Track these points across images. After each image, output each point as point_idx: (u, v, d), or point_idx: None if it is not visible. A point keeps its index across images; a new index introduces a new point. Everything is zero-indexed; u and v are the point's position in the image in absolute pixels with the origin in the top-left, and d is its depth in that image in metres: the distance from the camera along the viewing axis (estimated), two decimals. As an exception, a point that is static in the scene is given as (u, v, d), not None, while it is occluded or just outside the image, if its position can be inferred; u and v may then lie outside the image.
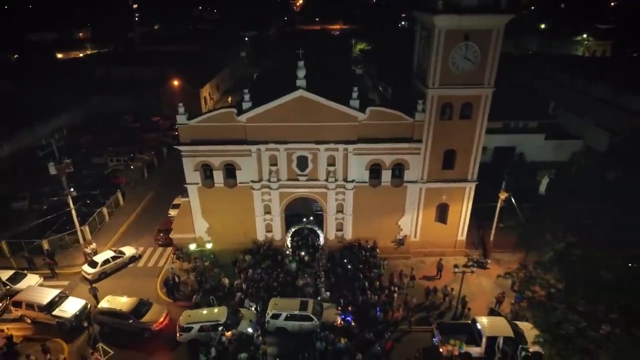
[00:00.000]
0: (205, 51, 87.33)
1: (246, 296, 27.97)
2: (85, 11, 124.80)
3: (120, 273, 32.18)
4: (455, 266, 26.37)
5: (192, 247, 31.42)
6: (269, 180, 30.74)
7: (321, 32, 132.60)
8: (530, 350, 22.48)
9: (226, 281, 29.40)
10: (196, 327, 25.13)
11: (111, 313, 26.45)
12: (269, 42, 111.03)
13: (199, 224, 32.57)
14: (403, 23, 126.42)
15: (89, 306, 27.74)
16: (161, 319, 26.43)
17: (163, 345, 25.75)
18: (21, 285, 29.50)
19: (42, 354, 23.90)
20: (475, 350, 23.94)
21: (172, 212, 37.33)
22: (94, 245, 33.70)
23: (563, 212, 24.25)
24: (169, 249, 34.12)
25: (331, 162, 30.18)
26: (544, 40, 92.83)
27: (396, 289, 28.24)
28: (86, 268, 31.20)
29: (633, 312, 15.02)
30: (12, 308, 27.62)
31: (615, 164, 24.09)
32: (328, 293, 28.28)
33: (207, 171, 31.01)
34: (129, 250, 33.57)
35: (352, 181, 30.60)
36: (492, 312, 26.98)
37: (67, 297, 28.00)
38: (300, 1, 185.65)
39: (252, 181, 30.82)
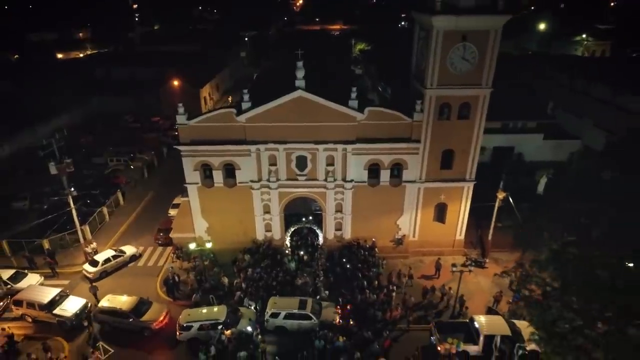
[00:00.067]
0: (205, 51, 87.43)
1: (245, 295, 28.15)
2: (85, 11, 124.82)
3: (120, 272, 32.36)
4: (453, 265, 26.55)
5: (192, 246, 31.62)
6: (268, 180, 30.91)
7: (321, 32, 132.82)
8: (528, 348, 22.64)
9: (225, 280, 29.57)
10: (196, 325, 25.30)
11: (111, 312, 26.62)
12: (268, 42, 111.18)
13: (199, 224, 32.74)
14: (403, 23, 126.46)
15: (89, 305, 27.92)
16: (161, 318, 26.62)
17: (163, 343, 25.93)
18: (22, 284, 29.69)
19: (43, 352, 24.10)
20: (472, 349, 24.11)
21: (172, 212, 37.50)
22: (94, 245, 33.88)
23: (560, 212, 24.43)
24: (169, 249, 34.31)
25: (330, 162, 30.35)
26: (544, 41, 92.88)
27: (395, 288, 28.41)
28: (87, 267, 31.39)
29: (628, 311, 15.18)
30: (13, 307, 27.84)
31: (611, 164, 24.26)
32: (327, 292, 28.45)
33: (206, 171, 31.19)
34: (129, 249, 33.78)
35: (351, 181, 30.77)
36: (490, 311, 27.18)
37: (67, 296, 28.18)
38: (300, 1, 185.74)
39: (252, 181, 30.98)
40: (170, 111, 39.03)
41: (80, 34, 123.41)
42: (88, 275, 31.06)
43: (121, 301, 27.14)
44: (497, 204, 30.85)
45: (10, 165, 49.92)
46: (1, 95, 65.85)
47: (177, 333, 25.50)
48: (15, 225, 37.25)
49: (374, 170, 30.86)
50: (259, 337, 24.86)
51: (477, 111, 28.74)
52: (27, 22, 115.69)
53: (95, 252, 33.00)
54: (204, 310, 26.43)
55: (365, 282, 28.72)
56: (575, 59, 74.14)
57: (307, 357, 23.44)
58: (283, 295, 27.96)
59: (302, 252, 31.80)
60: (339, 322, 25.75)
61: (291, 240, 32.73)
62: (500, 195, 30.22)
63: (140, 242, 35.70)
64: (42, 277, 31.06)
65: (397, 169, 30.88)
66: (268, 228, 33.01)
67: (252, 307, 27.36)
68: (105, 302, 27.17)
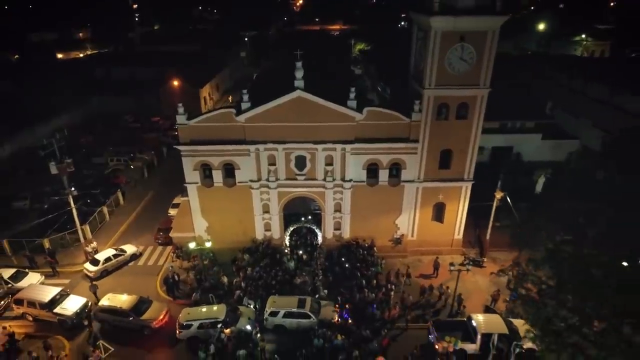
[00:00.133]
0: (205, 51, 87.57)
1: (245, 294, 28.32)
2: (85, 11, 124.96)
3: (120, 271, 32.55)
4: (451, 264, 26.73)
5: (192, 245, 31.80)
6: (267, 180, 31.07)
7: (321, 32, 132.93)
8: (525, 347, 22.82)
9: (225, 279, 29.73)
10: (195, 324, 25.46)
11: (112, 311, 26.80)
12: (268, 42, 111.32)
13: (199, 223, 32.91)
14: (403, 23, 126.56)
15: (89, 304, 28.08)
16: (161, 317, 26.80)
17: (163, 342, 26.11)
18: (23, 283, 29.86)
19: (44, 350, 24.28)
20: (470, 347, 24.29)
21: (172, 212, 37.66)
22: (94, 244, 34.05)
23: (557, 212, 24.62)
24: (169, 248, 34.49)
25: (329, 162, 30.52)
26: (543, 41, 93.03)
27: (393, 287, 28.58)
28: (88, 266, 31.58)
29: (622, 309, 15.35)
30: (13, 306, 28.03)
31: (606, 164, 24.47)
32: (326, 291, 28.62)
33: (206, 171, 31.35)
34: (129, 248, 33.99)
35: (350, 180, 30.94)
36: (488, 310, 27.36)
37: (68, 295, 28.37)
38: (300, 1, 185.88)
39: (251, 180, 31.15)
40: (170, 111, 39.19)
41: (80, 34, 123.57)
42: (89, 274, 31.24)
43: (121, 300, 27.31)
44: (495, 204, 31.01)
45: (10, 165, 50.10)
46: (1, 95, 66.02)
47: (177, 332, 25.67)
48: (15, 224, 37.49)
49: (372, 170, 31.02)
50: (258, 335, 25.02)
51: (475, 111, 28.91)
52: (27, 22, 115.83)
53: (96, 252, 33.18)
54: (204, 309, 26.60)
55: (363, 281, 28.90)
56: (574, 59, 74.32)
57: (306, 355, 23.59)
58: (282, 294, 28.14)
59: (301, 252, 31.96)
60: (338, 320, 25.91)
61: (290, 239, 32.89)
62: (498, 195, 30.39)
63: (140, 242, 35.87)
64: (43, 276, 31.23)
65: (395, 169, 31.05)
66: (267, 227, 33.18)
67: (252, 306, 27.53)
68: (105, 301, 27.35)
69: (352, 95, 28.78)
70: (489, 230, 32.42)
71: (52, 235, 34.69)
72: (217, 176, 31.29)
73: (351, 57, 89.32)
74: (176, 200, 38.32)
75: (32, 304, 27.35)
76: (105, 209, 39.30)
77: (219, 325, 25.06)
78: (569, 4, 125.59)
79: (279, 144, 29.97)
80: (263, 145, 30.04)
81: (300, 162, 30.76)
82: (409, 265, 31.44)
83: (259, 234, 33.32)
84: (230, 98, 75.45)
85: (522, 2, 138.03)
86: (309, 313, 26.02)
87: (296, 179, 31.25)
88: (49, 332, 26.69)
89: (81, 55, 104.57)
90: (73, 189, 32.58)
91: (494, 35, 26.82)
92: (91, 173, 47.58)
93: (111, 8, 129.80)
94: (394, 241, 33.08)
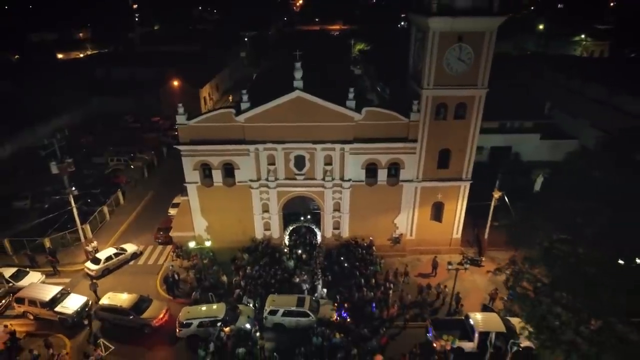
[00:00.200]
0: (205, 51, 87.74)
1: (244, 293, 28.50)
2: (85, 11, 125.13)
3: (121, 270, 32.75)
4: (449, 263, 26.95)
5: (192, 245, 31.99)
6: (267, 180, 31.26)
7: (321, 32, 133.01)
8: (522, 345, 22.97)
9: (225, 278, 29.91)
10: (195, 322, 25.64)
11: (112, 309, 26.98)
12: (268, 42, 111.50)
13: (199, 223, 33.10)
14: (403, 23, 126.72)
15: (90, 303, 28.26)
16: (161, 315, 26.98)
17: (163, 340, 26.30)
18: (23, 282, 30.06)
19: (45, 348, 24.45)
20: (468, 346, 24.48)
21: (172, 211, 37.84)
22: (95, 244, 34.23)
23: (554, 211, 24.75)
24: (169, 247, 34.68)
25: (328, 162, 30.71)
26: (541, 41, 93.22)
27: (391, 286, 28.76)
28: (89, 265, 31.79)
29: (616, 307, 15.55)
30: (14, 304, 28.20)
31: (602, 163, 24.64)
32: (325, 290, 28.80)
33: (206, 170, 31.55)
34: (130, 247, 34.23)
35: (349, 180, 31.13)
36: (485, 308, 27.53)
37: (68, 293, 28.57)
38: (300, 1, 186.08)
39: (251, 180, 31.34)
40: (170, 111, 39.39)
41: (81, 34, 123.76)
42: (90, 273, 31.45)
43: (122, 299, 27.49)
44: (493, 203, 31.19)
45: (11, 165, 50.28)
46: (2, 95, 66.20)
47: (177, 330, 25.84)
48: (16, 224, 37.72)
49: (371, 170, 31.22)
50: (258, 334, 25.21)
51: (473, 111, 29.11)
52: (27, 22, 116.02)
53: (96, 251, 33.36)
54: (203, 308, 26.79)
55: (362, 280, 29.08)
56: (573, 59, 74.53)
57: (305, 353, 23.76)
58: (281, 293, 28.33)
59: (300, 251, 32.13)
60: (336, 319, 26.09)
61: (290, 238, 33.09)
62: (496, 194, 30.57)
63: (140, 241, 36.06)
64: (44, 275, 31.43)
65: (394, 169, 31.25)
66: (267, 227, 33.37)
67: (251, 305, 27.71)
68: (106, 300, 27.53)
69: (351, 96, 28.97)
70: (487, 230, 32.62)
71: (52, 234, 34.90)
72: (217, 176, 31.48)
73: (351, 57, 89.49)
74: (176, 200, 38.50)
75: (33, 302, 27.55)
76: (105, 209, 39.50)
77: (219, 324, 25.23)
78: (568, 4, 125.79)
79: (279, 143, 30.16)
80: (262, 145, 30.22)
81: (300, 162, 30.94)
82: (407, 264, 31.62)
83: (259, 233, 33.51)
84: (230, 98, 75.64)
85: (522, 2, 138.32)
86: (308, 312, 26.21)
87: (295, 179, 31.44)
88: (50, 331, 26.87)
89: (81, 55, 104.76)
90: (74, 188, 32.78)
91: (492, 35, 27.01)
92: (91, 173, 47.79)
93: (111, 8, 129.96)
94: (392, 240, 33.27)
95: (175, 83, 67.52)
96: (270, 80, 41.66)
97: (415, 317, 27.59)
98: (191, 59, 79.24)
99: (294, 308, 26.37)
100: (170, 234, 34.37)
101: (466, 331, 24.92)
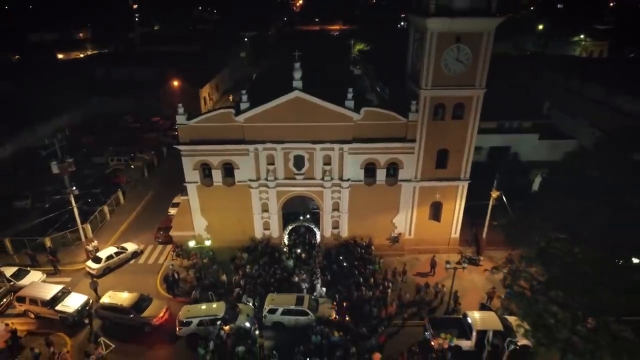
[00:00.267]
0: (205, 51, 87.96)
1: (244, 292, 28.69)
2: (85, 11, 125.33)
3: (121, 269, 32.94)
4: (447, 262, 27.14)
5: (192, 244, 32.18)
6: (266, 179, 31.45)
7: (321, 32, 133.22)
8: (519, 343, 23.14)
9: (224, 277, 30.08)
10: (195, 321, 25.84)
11: (112, 308, 27.17)
12: (268, 42, 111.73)
13: (198, 222, 33.28)
14: (402, 23, 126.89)
15: (90, 302, 28.44)
16: (161, 314, 27.16)
17: (163, 339, 26.48)
18: (24, 281, 30.25)
19: (46, 347, 24.62)
20: (465, 344, 24.68)
21: (172, 211, 38.00)
22: (95, 243, 34.42)
23: (551, 211, 24.93)
24: (169, 247, 34.85)
25: (327, 162, 30.89)
26: (541, 41, 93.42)
27: (390, 285, 28.94)
28: (90, 264, 31.99)
29: (611, 305, 15.72)
30: (16, 303, 28.39)
31: (599, 163, 24.81)
32: (324, 289, 28.99)
33: (206, 170, 31.73)
34: (131, 246, 34.46)
35: (348, 180, 31.31)
36: (483, 307, 27.70)
37: (69, 292, 28.76)
38: (300, 1, 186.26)
39: (250, 180, 31.53)
40: (170, 111, 39.60)
41: (81, 34, 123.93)
42: (91, 271, 31.65)
43: (122, 298, 27.68)
44: (491, 203, 31.38)
45: (11, 165, 50.46)
46: (2, 95, 66.40)
47: (177, 328, 26.03)
48: (17, 223, 37.96)
49: (370, 170, 31.41)
50: (257, 332, 25.42)
51: (471, 111, 29.28)
52: (27, 23, 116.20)
53: (97, 250, 33.55)
54: (203, 307, 26.98)
55: (361, 279, 29.26)
56: (572, 59, 74.75)
57: (304, 351, 23.92)
58: (281, 291, 28.51)
59: (299, 250, 32.30)
60: (335, 318, 26.27)
61: (289, 238, 33.26)
62: (494, 194, 30.75)
63: (140, 240, 36.23)
64: (45, 274, 31.60)
65: (393, 168, 31.42)
66: (266, 226, 33.55)
67: (250, 304, 27.90)
68: (106, 299, 27.72)
69: (349, 96, 29.16)
70: (485, 229, 32.80)
71: (53, 234, 35.10)
72: (217, 175, 31.66)
73: (350, 58, 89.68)
74: (176, 200, 38.68)
75: (34, 301, 27.74)
76: (105, 208, 39.69)
77: (219, 323, 25.42)
78: (568, 4, 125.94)
79: (278, 143, 30.34)
80: (262, 145, 30.40)
81: (299, 162, 31.13)
82: (405, 263, 31.79)
83: (258, 233, 33.69)
84: (230, 97, 75.82)
85: (522, 2, 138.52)
86: (307, 310, 26.40)
87: (295, 179, 31.62)
88: (51, 329, 27.04)
89: (81, 55, 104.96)
90: (74, 188, 32.96)
91: (490, 36, 27.18)
92: (92, 173, 47.98)
93: (111, 8, 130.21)
94: (391, 240, 33.45)
95: (175, 83, 67.71)
96: (269, 80, 41.84)
97: (413, 315, 27.78)
98: (191, 59, 79.46)
99: (293, 307, 26.57)
100: (170, 233, 34.56)
101: (464, 330, 25.11)
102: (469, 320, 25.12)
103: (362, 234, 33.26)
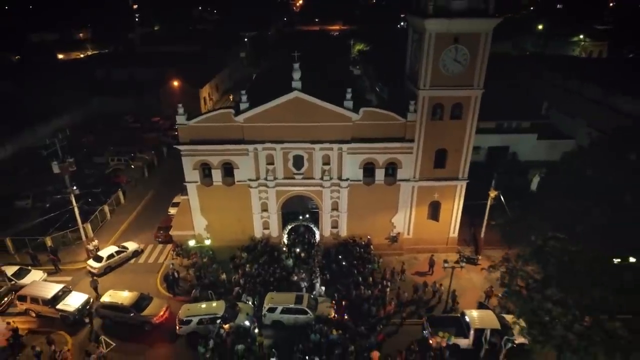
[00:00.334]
0: (205, 52, 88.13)
1: (244, 291, 28.87)
2: (86, 11, 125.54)
3: (122, 269, 33.12)
4: (445, 261, 27.34)
5: (192, 243, 32.36)
6: (265, 179, 31.63)
7: (320, 32, 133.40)
8: (516, 341, 23.35)
9: (224, 276, 30.24)
10: (195, 320, 26.02)
11: (113, 307, 27.35)
12: (268, 42, 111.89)
13: (198, 222, 33.47)
14: (402, 24, 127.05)
15: (91, 300, 28.63)
16: (161, 313, 27.34)
17: (163, 337, 26.65)
18: (25, 280, 30.45)
19: (47, 345, 24.81)
20: (463, 342, 24.86)
21: (172, 210, 38.19)
22: (96, 242, 34.58)
23: (549, 210, 25.20)
24: (169, 246, 35.04)
25: (326, 161, 31.08)
26: (540, 41, 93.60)
27: (388, 284, 29.12)
28: (92, 263, 32.19)
29: (604, 304, 15.91)
30: (17, 302, 28.57)
31: (595, 162, 25.09)
32: (323, 288, 29.16)
33: (206, 170, 31.92)
34: (131, 245, 34.68)
35: (347, 180, 31.50)
36: (481, 306, 27.88)
37: (70, 291, 28.93)
38: (300, 1, 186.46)
39: (250, 179, 31.71)
40: (170, 111, 39.76)
41: (81, 35, 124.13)
42: (93, 270, 31.85)
43: (122, 296, 27.85)
44: (489, 202, 31.56)
45: (12, 165, 50.65)
46: (2, 95, 66.60)
47: (177, 327, 26.21)
48: (18, 223, 38.19)
49: (369, 169, 31.60)
50: (257, 330, 25.62)
51: (469, 111, 29.45)
52: (27, 23, 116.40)
53: (97, 250, 33.72)
54: (203, 305, 27.15)
55: (360, 278, 29.43)
56: (571, 60, 74.93)
57: (303, 350, 24.10)
58: (280, 290, 28.69)
59: (298, 249, 32.47)
60: (334, 316, 26.46)
61: (288, 237, 33.44)
62: (492, 193, 30.94)
63: (140, 240, 36.41)
64: (45, 274, 31.81)
65: (391, 168, 31.60)
66: (266, 226, 33.74)
67: (250, 302, 28.08)
68: (107, 298, 27.89)
69: (348, 96, 29.34)
70: (483, 229, 32.98)
71: (54, 233, 35.29)
72: (217, 175, 31.85)
73: (350, 58, 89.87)
74: (176, 199, 38.87)
75: (35, 300, 27.91)
76: (106, 208, 39.88)
77: (218, 321, 25.61)
78: (567, 4, 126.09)
79: (277, 143, 30.52)
80: (261, 145, 30.59)
81: (298, 162, 31.31)
82: (404, 262, 31.97)
83: (258, 232, 33.88)
84: (231, 97, 76.01)
85: (522, 2, 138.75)
86: (306, 309, 26.57)
87: (294, 178, 31.81)
88: (52, 328, 27.23)
89: (81, 55, 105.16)
90: (75, 188, 33.13)
91: (487, 37, 27.37)
92: (92, 172, 48.19)
93: (111, 8, 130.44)
94: (390, 239, 33.61)
95: (175, 83, 67.90)
96: (269, 80, 42.02)
97: (411, 314, 27.96)
98: (191, 59, 79.65)
99: (292, 305, 26.74)
100: (170, 232, 34.74)
101: (462, 328, 25.29)
102: (467, 318, 25.30)
103: (361, 233, 33.44)
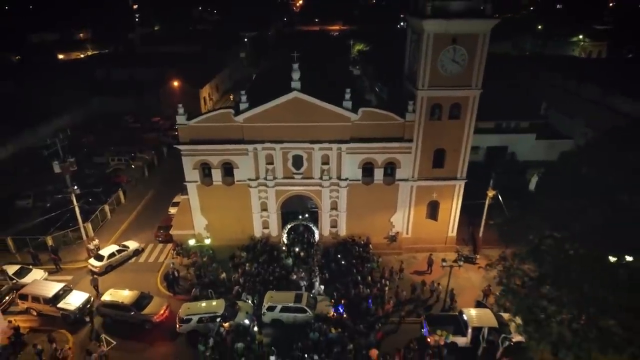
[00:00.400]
0: (205, 52, 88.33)
1: (243, 289, 29.05)
2: (86, 12, 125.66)
3: (122, 268, 33.32)
4: (443, 260, 27.52)
5: (192, 243, 32.53)
6: (265, 179, 31.82)
7: (320, 32, 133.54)
8: (513, 339, 23.54)
9: (224, 275, 30.43)
10: (195, 318, 26.22)
11: (114, 305, 27.55)
12: (268, 42, 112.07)
13: (198, 221, 33.66)
14: (402, 24, 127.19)
15: (91, 299, 28.83)
16: (161, 311, 27.54)
17: (163, 336, 26.86)
18: (27, 279, 30.65)
19: (48, 343, 25.01)
20: (461, 340, 25.05)
21: (172, 210, 38.40)
22: (96, 242, 34.79)
23: (547, 209, 25.33)
24: (169, 245, 35.23)
25: (325, 161, 31.27)
26: (539, 41, 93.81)
27: (387, 282, 29.31)
28: (93, 262, 32.40)
29: (597, 301, 16.11)
30: (18, 301, 28.75)
31: (592, 161, 25.26)
32: (322, 287, 29.35)
33: (205, 170, 32.11)
34: (132, 244, 34.91)
35: (346, 179, 31.69)
36: (479, 305, 28.07)
37: (71, 290, 29.12)
38: (300, 2, 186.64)
39: (249, 179, 31.90)
40: (170, 111, 39.96)
41: (81, 35, 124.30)
42: (94, 269, 32.05)
43: (123, 295, 28.04)
44: (487, 202, 31.75)
45: (13, 164, 50.84)
46: (3, 96, 66.78)
47: (177, 326, 26.42)
48: (19, 222, 38.37)
49: (368, 169, 31.79)
50: (256, 329, 25.83)
51: (468, 111, 29.65)
52: (27, 23, 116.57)
53: (98, 249, 33.93)
54: (203, 304, 27.35)
55: (359, 277, 29.62)
56: (570, 60, 75.09)
57: (302, 348, 24.30)
58: (279, 289, 28.87)
59: (298, 249, 32.64)
60: (333, 315, 26.65)
61: (288, 237, 33.62)
62: (490, 193, 31.13)
63: (141, 239, 36.59)
64: (46, 273, 32.01)
65: (390, 168, 31.80)
66: (265, 225, 33.93)
67: (250, 301, 28.26)
68: (107, 296, 28.08)
69: (347, 96, 29.53)
70: (481, 228, 33.17)
71: (55, 232, 35.48)
72: (216, 175, 32.04)
73: (350, 58, 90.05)
74: (176, 199, 39.09)
75: (36, 299, 28.10)
76: (106, 208, 40.07)
77: (218, 320, 25.79)
78: (567, 4, 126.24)
79: (277, 143, 30.71)
80: (261, 145, 30.78)
81: (297, 161, 31.50)
82: (402, 261, 32.18)
83: (257, 232, 34.07)
84: (231, 97, 76.19)
85: (522, 3, 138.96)
86: (306, 308, 26.75)
87: (293, 178, 32.00)
88: (53, 326, 27.43)
89: (82, 55, 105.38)
90: (75, 187, 33.30)
91: (485, 37, 27.55)
92: (93, 172, 48.38)
93: (111, 8, 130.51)
94: (389, 238, 33.81)
95: (175, 83, 68.09)
96: (269, 80, 42.19)
97: (410, 313, 28.14)
98: (191, 59, 79.83)
99: (291, 304, 26.92)
100: (170, 232, 34.93)
101: (460, 326, 25.48)
102: (465, 317, 25.50)
103: (360, 232, 33.63)
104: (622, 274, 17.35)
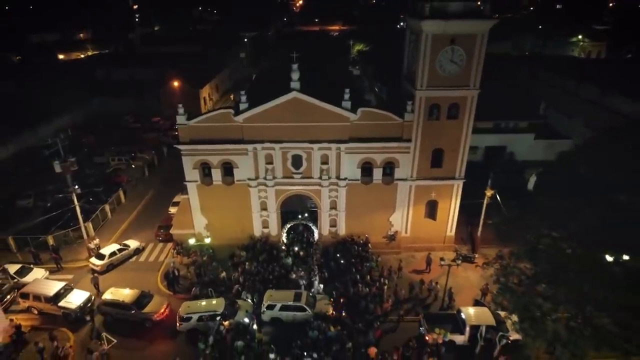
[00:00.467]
0: (205, 52, 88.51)
1: (243, 288, 29.23)
2: (86, 12, 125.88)
3: (123, 267, 33.51)
4: (442, 259, 27.73)
5: (192, 242, 32.69)
6: (265, 178, 31.99)
7: (320, 33, 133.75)
8: (511, 337, 23.69)
9: (224, 275, 30.60)
10: (195, 317, 26.39)
11: (114, 304, 27.73)
12: (268, 42, 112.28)
13: (198, 220, 33.83)
14: (402, 24, 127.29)
15: (92, 298, 29.01)
16: (162, 310, 27.72)
17: (164, 334, 27.04)
18: (28, 278, 30.84)
19: (50, 341, 25.20)
20: (459, 339, 25.21)
21: (172, 209, 38.59)
22: (97, 241, 34.97)
23: (545, 209, 25.57)
24: (170, 245, 35.41)
25: (324, 161, 31.43)
26: (539, 41, 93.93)
27: (386, 281, 29.49)
28: (94, 260, 32.59)
29: (591, 299, 16.29)
30: (19, 300, 28.94)
31: (589, 161, 25.48)
32: (321, 285, 29.52)
33: (205, 169, 32.27)
34: (133, 243, 35.12)
35: (345, 179, 31.86)
36: (477, 303, 28.22)
37: (72, 289, 29.29)
38: (300, 2, 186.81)
39: (249, 179, 32.08)
40: (171, 111, 40.14)
41: (81, 35, 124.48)
42: (95, 268, 32.24)
43: (124, 294, 28.22)
44: (485, 202, 31.92)
45: (14, 164, 51.02)
46: (4, 96, 66.95)
47: (177, 324, 26.60)
48: (20, 222, 38.53)
49: (367, 169, 31.95)
50: (256, 327, 25.99)
51: (466, 111, 29.82)
52: (28, 23, 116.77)
53: (98, 248, 34.12)
54: (203, 303, 27.52)
55: (358, 276, 29.80)
56: (569, 60, 75.23)
57: (301, 346, 24.47)
58: (279, 288, 29.05)
59: (297, 248, 32.83)
60: (332, 313, 26.82)
61: (287, 236, 33.80)
62: (488, 192, 31.30)
63: (141, 239, 36.75)
64: (47, 272, 32.18)
65: (389, 168, 31.96)
66: (265, 224, 34.10)
67: (249, 300, 28.43)
68: (108, 295, 28.26)
69: (346, 96, 29.71)
70: (480, 228, 33.35)
71: (55, 232, 35.65)
72: (216, 175, 32.21)
73: (350, 58, 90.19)
74: (176, 199, 39.28)
75: (37, 297, 28.27)
76: (107, 207, 40.25)
77: (218, 318, 25.95)
78: (567, 4, 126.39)
79: (276, 143, 30.89)
80: (261, 145, 30.95)
81: (297, 161, 31.67)
82: (401, 260, 32.35)
83: (257, 231, 34.23)
84: (231, 97, 76.36)
85: (522, 2, 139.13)
86: (305, 306, 26.93)
87: (293, 178, 32.17)
88: (54, 325, 27.59)
89: (82, 56, 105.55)
90: (76, 187, 33.45)
91: (483, 38, 27.72)
92: (93, 172, 48.56)
93: (111, 9, 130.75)
94: (388, 238, 33.99)
95: (176, 83, 68.28)
96: (269, 80, 42.36)
97: (408, 311, 28.32)
98: (191, 59, 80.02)
99: (291, 303, 27.10)
100: (170, 231, 35.11)
101: (458, 325, 25.65)
102: (463, 315, 25.66)
103: (359, 232, 33.81)
104: (619, 273, 17.52)
